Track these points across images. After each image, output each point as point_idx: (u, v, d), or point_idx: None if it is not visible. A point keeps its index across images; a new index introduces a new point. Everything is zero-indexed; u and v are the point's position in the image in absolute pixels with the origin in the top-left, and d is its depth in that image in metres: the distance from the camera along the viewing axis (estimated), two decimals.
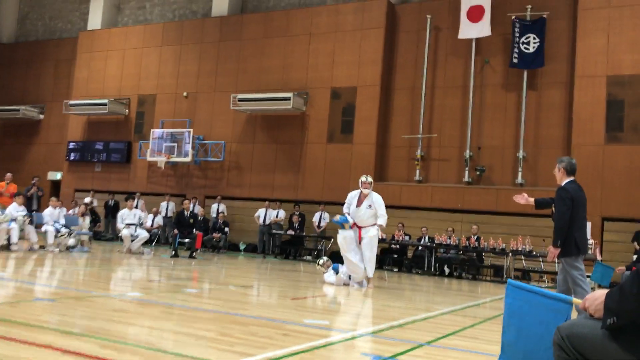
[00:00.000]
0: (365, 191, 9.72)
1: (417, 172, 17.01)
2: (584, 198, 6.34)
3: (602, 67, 15.12)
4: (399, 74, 17.84)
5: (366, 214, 9.57)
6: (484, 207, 15.92)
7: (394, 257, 15.73)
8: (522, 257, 14.40)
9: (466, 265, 14.59)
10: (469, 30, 16.49)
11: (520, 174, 15.90)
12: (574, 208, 6.14)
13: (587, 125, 15.09)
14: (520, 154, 15.88)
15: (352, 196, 9.81)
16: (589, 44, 15.28)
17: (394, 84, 17.87)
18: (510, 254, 13.70)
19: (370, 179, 9.89)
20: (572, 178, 6.36)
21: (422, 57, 17.30)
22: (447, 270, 14.60)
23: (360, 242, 9.47)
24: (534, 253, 13.66)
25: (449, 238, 14.44)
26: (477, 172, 16.39)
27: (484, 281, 14.00)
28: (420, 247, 15.23)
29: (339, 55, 18.23)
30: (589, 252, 12.26)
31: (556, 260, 6.63)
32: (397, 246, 15.45)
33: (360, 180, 9.88)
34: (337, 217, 9.71)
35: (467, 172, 16.44)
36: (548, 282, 14.61)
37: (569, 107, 15.64)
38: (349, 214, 9.65)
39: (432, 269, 14.72)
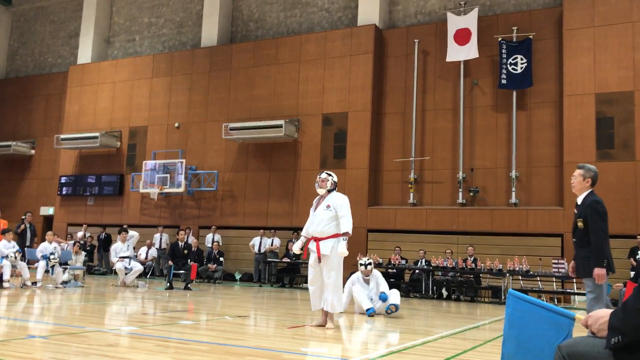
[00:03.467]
0: (321, 191, 7.46)
1: (411, 195, 17.01)
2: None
3: (590, 85, 15.27)
4: (389, 98, 17.95)
5: (323, 218, 7.25)
6: (479, 228, 15.91)
7: (390, 282, 15.60)
8: (520, 277, 14.33)
9: (464, 287, 14.50)
10: (457, 53, 16.66)
11: (514, 193, 15.92)
12: (606, 223, 5.71)
13: (578, 143, 15.18)
14: (513, 174, 15.93)
15: (313, 204, 7.65)
16: (575, 63, 15.45)
17: (384, 109, 17.97)
18: (507, 274, 13.64)
19: (326, 175, 7.50)
20: (592, 190, 5.90)
21: (412, 81, 17.44)
22: (445, 293, 14.50)
23: (319, 261, 7.24)
24: (531, 273, 13.60)
25: (446, 260, 14.37)
26: (471, 194, 16.39)
27: (483, 303, 13.90)
28: (417, 271, 15.14)
29: (328, 82, 18.35)
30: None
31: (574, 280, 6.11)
32: (394, 270, 15.35)
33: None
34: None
35: (460, 194, 16.45)
36: (547, 301, 14.52)
37: (559, 125, 15.74)
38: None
39: (430, 292, 14.62)
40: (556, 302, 14.38)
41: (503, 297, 13.78)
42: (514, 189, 15.96)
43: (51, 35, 25.26)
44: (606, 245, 5.61)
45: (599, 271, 5.51)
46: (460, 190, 16.48)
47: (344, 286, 7.49)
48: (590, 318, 2.15)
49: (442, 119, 17.19)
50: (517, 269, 13.54)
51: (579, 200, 5.88)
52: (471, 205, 16.47)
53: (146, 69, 21.57)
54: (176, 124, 20.55)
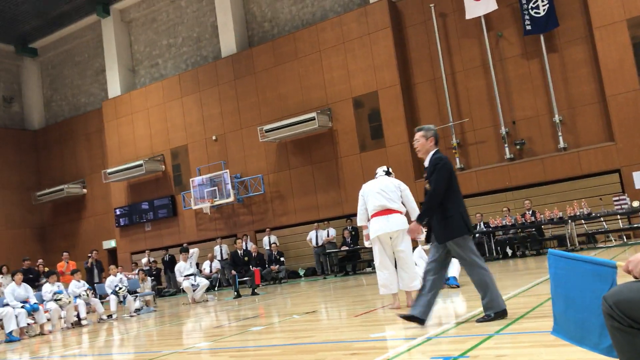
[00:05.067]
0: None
1: (457, 160, 16.80)
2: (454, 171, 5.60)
3: (620, 12, 14.69)
4: (416, 68, 17.73)
5: None
6: (532, 179, 15.59)
7: None
8: (583, 222, 13.98)
9: (528, 242, 14.25)
10: (475, 9, 16.30)
11: (561, 138, 15.52)
12: (453, 181, 5.42)
13: (618, 74, 14.66)
14: (557, 118, 15.52)
15: None
16: None
17: (413, 80, 17.77)
18: (569, 220, 13.32)
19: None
20: (437, 148, 5.63)
21: (435, 47, 17.17)
22: (509, 251, 14.29)
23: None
24: (594, 214, 13.25)
25: (504, 219, 14.15)
26: (518, 147, 16.07)
27: None
28: (477, 235, 14.97)
29: (352, 65, 18.25)
30: None
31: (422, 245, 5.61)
32: None
33: None
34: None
35: (507, 149, 16.14)
36: (615, 240, 14.14)
37: (594, 60, 15.23)
38: None
39: (495, 254, 14.43)
40: (625, 239, 13.97)
41: (569, 244, 13.48)
42: (560, 134, 15.55)
43: (79, 76, 25.99)
44: (439, 203, 5.34)
45: (414, 225, 5.41)
46: (506, 145, 16.16)
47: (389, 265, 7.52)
48: (631, 263, 2.10)
49: (474, 78, 16.88)
50: (579, 213, 13.21)
51: (426, 163, 5.60)
52: (520, 158, 16.14)
53: (174, 90, 21.96)
54: (213, 137, 20.87)
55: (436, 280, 5.45)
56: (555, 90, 15.60)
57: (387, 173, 7.64)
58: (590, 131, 15.40)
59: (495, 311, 5.27)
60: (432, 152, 5.59)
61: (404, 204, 7.37)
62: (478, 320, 5.34)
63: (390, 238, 7.24)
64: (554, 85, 15.61)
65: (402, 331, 5.71)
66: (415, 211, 7.40)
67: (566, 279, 2.34)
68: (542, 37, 15.69)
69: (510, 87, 16.38)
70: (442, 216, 5.40)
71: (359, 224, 7.65)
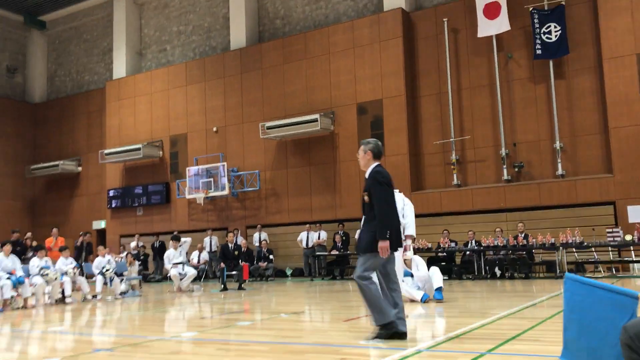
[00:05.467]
0: None
1: (455, 176, 16.84)
2: (392, 185, 5.66)
3: (630, 45, 14.80)
4: (423, 80, 17.77)
5: None
6: (527, 203, 15.64)
7: (442, 265, 15.49)
8: (574, 250, 14.04)
9: (517, 264, 14.28)
10: (488, 28, 16.36)
11: (559, 165, 15.59)
12: (390, 195, 5.48)
13: (623, 107, 14.75)
14: (557, 145, 15.59)
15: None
16: (613, 25, 14.99)
17: (419, 92, 17.80)
18: (560, 247, 13.37)
19: None
20: (378, 162, 5.69)
21: (444, 61, 17.22)
22: (498, 272, 14.32)
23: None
24: (586, 244, 13.30)
25: (496, 239, 14.18)
26: (516, 169, 16.13)
27: (538, 279, 13.67)
28: (468, 252, 15.00)
29: (360, 70, 18.27)
30: None
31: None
32: (444, 254, 15.23)
33: None
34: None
35: (505, 170, 16.19)
36: (604, 271, 14.20)
37: (601, 90, 15.32)
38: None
39: (483, 273, 14.46)
40: (614, 272, 14.04)
41: (559, 271, 13.53)
42: (559, 160, 15.61)
43: (86, 53, 25.89)
44: (390, 216, 5.39)
45: (382, 244, 5.29)
46: (505, 166, 16.21)
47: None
48: None
49: (479, 96, 16.93)
50: (570, 241, 13.26)
51: (366, 175, 5.69)
52: (517, 180, 16.20)
53: (180, 77, 21.91)
54: (214, 128, 20.82)
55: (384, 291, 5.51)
56: (559, 116, 15.67)
57: None
58: (590, 161, 15.47)
59: (381, 324, 5.32)
60: (372, 166, 5.67)
61: (403, 216, 7.36)
62: (371, 339, 5.40)
63: None
64: (558, 111, 15.68)
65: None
66: (410, 226, 7.40)
67: (583, 305, 2.32)
68: (551, 63, 15.76)
69: (514, 109, 16.44)
70: (369, 227, 5.45)
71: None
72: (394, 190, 5.67)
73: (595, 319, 2.29)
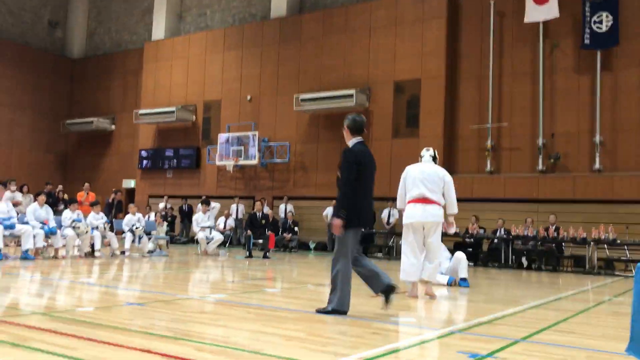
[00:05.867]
0: None
1: (488, 162, 16.59)
2: (372, 162, 5.65)
3: None
4: (464, 63, 17.44)
5: None
6: (560, 195, 15.36)
7: (468, 251, 15.36)
8: (605, 246, 13.78)
9: (545, 256, 14.09)
10: (536, 13, 15.92)
11: (597, 159, 15.24)
12: (360, 173, 5.45)
13: None
14: (597, 138, 15.22)
15: None
16: None
17: (459, 74, 17.49)
18: (592, 243, 13.13)
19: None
20: (358, 138, 5.64)
21: (487, 45, 16.85)
22: (525, 262, 14.15)
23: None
24: (618, 241, 13.04)
25: (526, 229, 13.98)
26: (552, 160, 15.82)
27: (565, 272, 13.48)
28: (495, 240, 14.83)
29: (400, 48, 18.00)
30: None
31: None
32: (472, 240, 15.09)
33: None
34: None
35: (540, 160, 15.90)
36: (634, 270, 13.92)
37: None
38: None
39: (509, 262, 14.30)
40: None
41: (587, 267, 13.31)
42: (597, 154, 15.26)
43: (126, 12, 25.95)
44: (349, 196, 5.38)
45: (334, 221, 5.34)
46: (540, 156, 15.91)
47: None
48: None
49: (520, 84, 16.57)
50: (603, 237, 13.01)
51: None
52: (552, 172, 15.90)
53: (218, 43, 21.85)
54: (248, 97, 20.79)
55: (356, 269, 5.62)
56: (602, 110, 15.27)
57: (433, 159, 7.51)
58: (629, 158, 15.09)
59: (335, 307, 5.42)
60: (351, 142, 5.66)
61: (444, 195, 7.26)
62: (317, 310, 5.51)
63: (424, 228, 7.16)
64: (602, 104, 15.28)
65: (422, 320, 5.67)
66: (453, 205, 7.32)
67: None
68: (598, 54, 15.32)
69: (555, 99, 16.07)
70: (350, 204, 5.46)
71: (398, 207, 7.54)
72: (373, 167, 5.66)
73: None
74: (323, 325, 4.94)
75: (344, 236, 5.43)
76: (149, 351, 3.67)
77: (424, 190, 7.13)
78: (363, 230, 5.78)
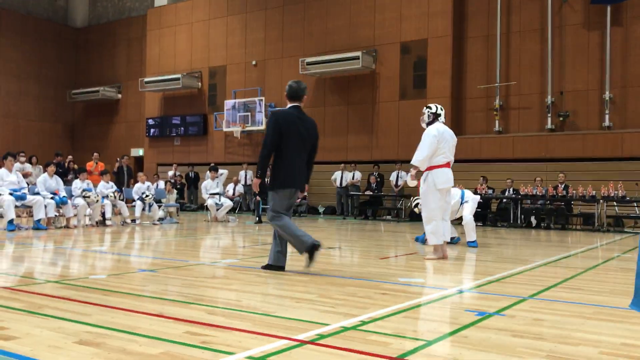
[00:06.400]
0: (423, 125, 7.47)
1: (497, 122, 16.48)
2: (300, 126, 5.78)
3: None
4: (471, 22, 17.17)
5: None
6: (569, 154, 15.27)
7: (477, 211, 15.38)
8: (615, 204, 13.76)
9: (554, 215, 14.10)
10: None
11: (607, 116, 15.09)
12: (283, 137, 5.68)
13: None
14: (607, 95, 15.05)
15: None
16: None
17: (466, 33, 17.24)
18: (601, 200, 13.11)
19: (424, 110, 7.51)
20: (294, 103, 5.91)
21: (495, 3, 16.56)
22: (534, 221, 14.17)
23: None
24: (628, 198, 13.01)
25: (535, 188, 13.96)
26: (561, 118, 15.68)
27: (574, 230, 13.50)
28: (504, 200, 14.83)
29: (406, 8, 17.72)
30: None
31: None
32: (481, 200, 15.07)
33: None
34: None
35: (549, 119, 15.77)
36: None
37: None
38: None
39: (518, 221, 14.33)
40: None
41: (596, 224, 13.32)
42: (607, 112, 15.11)
43: None
44: (264, 157, 5.74)
45: (254, 180, 5.91)
46: (549, 115, 15.78)
47: None
48: None
49: (529, 41, 16.32)
50: (612, 194, 12.98)
51: None
52: (561, 130, 15.78)
53: (221, 8, 21.59)
54: (253, 62, 20.63)
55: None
56: (612, 66, 15.05)
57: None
58: (639, 114, 14.92)
59: (272, 263, 5.90)
60: (287, 107, 5.98)
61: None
62: (262, 267, 5.97)
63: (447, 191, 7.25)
64: (612, 60, 15.05)
65: (430, 280, 5.72)
66: (416, 155, 7.30)
67: None
68: (608, 8, 15.02)
69: (564, 57, 15.84)
70: (271, 167, 5.87)
71: (420, 167, 7.18)
72: (302, 132, 5.80)
73: None
74: (332, 287, 5.00)
75: (271, 198, 5.87)
76: (160, 315, 3.74)
77: (452, 157, 7.30)
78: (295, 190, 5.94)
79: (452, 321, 3.80)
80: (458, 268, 6.82)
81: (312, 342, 3.16)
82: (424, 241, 8.85)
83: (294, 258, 6.33)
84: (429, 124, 7.38)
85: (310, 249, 5.60)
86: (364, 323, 3.63)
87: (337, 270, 6.17)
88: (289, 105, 5.93)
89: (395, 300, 4.44)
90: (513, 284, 5.41)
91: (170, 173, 20.19)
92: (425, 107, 7.54)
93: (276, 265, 5.90)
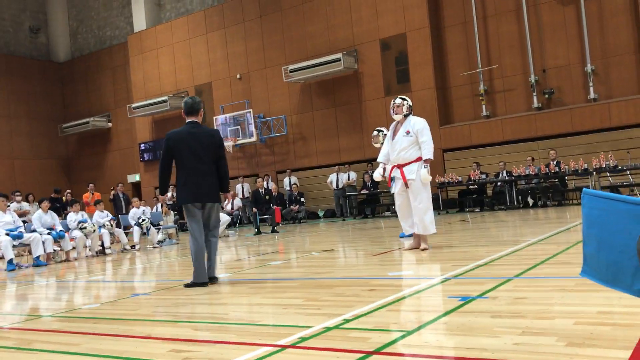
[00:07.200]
0: (397, 117, 7.30)
1: (484, 107, 16.54)
2: (191, 140, 5.96)
3: None
4: (447, 10, 17.26)
5: (404, 144, 7.17)
6: (558, 130, 15.32)
7: (473, 198, 15.45)
8: (608, 174, 13.79)
9: (550, 192, 14.13)
10: None
11: (591, 89, 15.14)
12: (175, 155, 5.99)
13: None
14: (589, 68, 15.10)
15: (389, 131, 7.58)
16: None
17: (443, 22, 17.32)
18: (594, 172, 13.14)
19: (400, 101, 7.31)
20: (191, 119, 6.12)
21: None
22: (530, 201, 14.20)
23: (407, 187, 7.23)
24: (620, 167, 13.04)
25: (528, 168, 14.00)
26: (546, 96, 15.73)
27: (572, 205, 13.53)
28: (499, 183, 14.87)
29: (382, 4, 17.81)
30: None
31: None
32: (475, 186, 15.14)
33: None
34: None
35: (535, 98, 15.83)
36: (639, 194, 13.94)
37: (634, 7, 14.64)
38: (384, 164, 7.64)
39: (515, 203, 14.36)
40: None
41: None
42: (591, 84, 15.16)
43: (105, 7, 25.78)
44: (165, 175, 6.11)
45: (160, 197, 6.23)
46: (535, 94, 15.83)
47: None
48: None
49: (506, 23, 16.39)
50: (604, 165, 13.01)
51: None
52: (548, 108, 15.83)
53: (200, 26, 21.71)
54: (238, 75, 20.73)
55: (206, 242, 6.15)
56: (590, 38, 15.11)
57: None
58: (623, 82, 14.97)
59: (195, 281, 5.94)
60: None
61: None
62: (185, 285, 6.02)
63: None
64: (589, 33, 15.11)
65: (420, 271, 5.77)
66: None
67: (600, 219, 2.28)
68: None
69: (543, 34, 15.90)
70: (177, 185, 6.10)
71: (431, 158, 7.14)
72: (193, 145, 6.00)
73: (614, 232, 2.25)
74: (321, 289, 5.05)
75: (186, 213, 6.05)
76: (148, 337, 3.79)
77: None
78: (202, 204, 6.07)
79: (434, 309, 3.84)
80: (450, 256, 6.86)
81: (292, 345, 3.20)
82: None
83: (283, 265, 6.37)
84: (406, 115, 7.40)
85: (200, 284, 5.89)
86: (346, 321, 3.67)
87: (329, 272, 6.21)
88: (187, 121, 6.12)
89: (381, 295, 4.48)
90: (501, 265, 5.45)
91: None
92: (399, 99, 7.39)
93: (199, 282, 5.95)
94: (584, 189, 2.43)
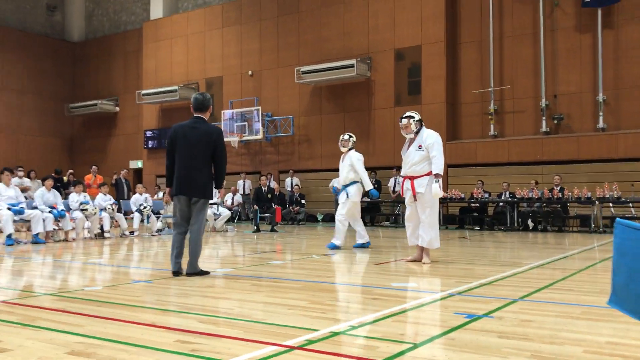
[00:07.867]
0: (408, 136, 7.44)
1: (492, 127, 16.56)
2: (188, 134, 6.18)
3: None
4: (464, 27, 17.29)
5: (415, 158, 7.29)
6: (565, 156, 15.35)
7: (474, 216, 15.46)
8: (610, 205, 13.81)
9: (551, 217, 14.14)
10: None
11: (601, 118, 15.17)
12: (175, 147, 6.22)
13: None
14: (600, 97, 15.14)
15: (405, 143, 7.67)
16: None
17: (459, 38, 17.35)
18: (597, 202, 13.16)
19: (406, 121, 7.42)
20: (198, 114, 6.32)
21: (487, 7, 16.69)
22: (531, 224, 14.21)
23: (415, 199, 7.35)
24: (623, 199, 13.06)
25: (531, 191, 14.02)
26: (555, 121, 15.77)
27: (571, 232, 13.55)
28: (501, 204, 14.88)
29: (399, 15, 17.84)
30: None
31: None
32: (477, 204, 15.15)
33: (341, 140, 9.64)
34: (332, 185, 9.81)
35: (544, 122, 15.85)
36: None
37: None
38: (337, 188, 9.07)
39: (515, 224, 14.37)
40: None
41: (593, 226, 13.36)
42: (601, 114, 15.19)
43: None
44: (167, 167, 6.37)
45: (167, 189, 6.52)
46: (544, 118, 15.86)
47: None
48: None
49: (522, 45, 16.43)
50: (608, 195, 13.03)
51: None
52: (556, 133, 15.85)
53: (216, 19, 21.73)
54: (249, 72, 20.75)
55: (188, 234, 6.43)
56: (604, 68, 15.15)
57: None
58: (633, 115, 15.00)
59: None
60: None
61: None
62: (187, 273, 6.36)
63: None
64: (604, 63, 15.15)
65: (423, 284, 5.77)
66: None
67: (634, 250, 2.27)
68: (599, 11, 15.14)
69: (557, 60, 15.94)
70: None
71: (441, 173, 7.22)
72: (189, 140, 6.19)
73: None
74: (324, 293, 5.05)
75: (174, 204, 6.34)
76: (152, 325, 3.79)
77: None
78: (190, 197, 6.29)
79: (441, 324, 3.85)
80: (452, 272, 6.86)
81: (300, 347, 3.21)
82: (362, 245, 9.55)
83: (283, 265, 6.37)
84: (418, 131, 7.46)
85: (173, 273, 6.28)
86: (353, 328, 3.68)
87: (331, 277, 6.22)
88: (193, 115, 6.34)
89: (386, 304, 4.49)
90: (505, 286, 5.46)
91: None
92: (404, 119, 7.47)
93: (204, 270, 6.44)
94: (617, 219, 2.43)
